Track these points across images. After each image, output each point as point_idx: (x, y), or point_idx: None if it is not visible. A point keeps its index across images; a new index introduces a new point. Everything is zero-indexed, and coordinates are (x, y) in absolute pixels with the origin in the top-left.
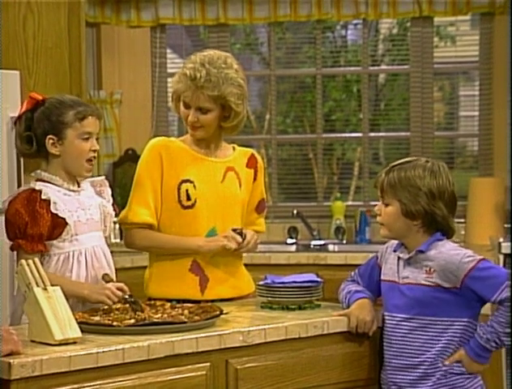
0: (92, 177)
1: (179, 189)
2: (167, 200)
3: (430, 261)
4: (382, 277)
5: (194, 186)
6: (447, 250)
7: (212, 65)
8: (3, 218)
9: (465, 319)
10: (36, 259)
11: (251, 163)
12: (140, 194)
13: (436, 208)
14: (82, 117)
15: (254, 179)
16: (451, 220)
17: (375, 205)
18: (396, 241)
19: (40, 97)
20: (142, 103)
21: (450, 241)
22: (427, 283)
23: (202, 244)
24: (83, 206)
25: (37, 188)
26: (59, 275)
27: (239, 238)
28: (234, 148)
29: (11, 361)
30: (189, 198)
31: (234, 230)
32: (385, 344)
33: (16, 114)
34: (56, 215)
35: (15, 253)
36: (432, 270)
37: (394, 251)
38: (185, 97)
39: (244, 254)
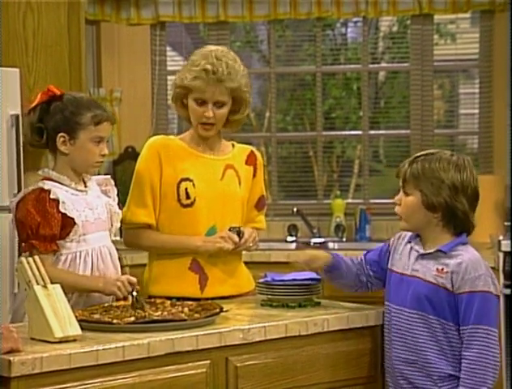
0: (97, 175)
1: (178, 187)
2: (166, 199)
3: (448, 261)
4: (390, 266)
5: (194, 185)
6: (470, 257)
7: (225, 58)
8: (5, 216)
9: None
10: (36, 257)
11: (250, 160)
12: (138, 194)
13: (457, 202)
14: (98, 122)
15: (254, 176)
16: (472, 216)
17: (375, 203)
18: (410, 233)
19: (59, 92)
20: (142, 101)
21: (471, 245)
22: (435, 281)
23: (200, 244)
24: (90, 206)
25: (46, 188)
26: (72, 270)
27: (236, 238)
28: (233, 145)
29: (11, 358)
30: (188, 197)
31: (231, 229)
32: (391, 335)
33: (16, 112)
34: (65, 214)
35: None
36: (444, 270)
37: (409, 242)
38: (202, 93)
39: (243, 252)
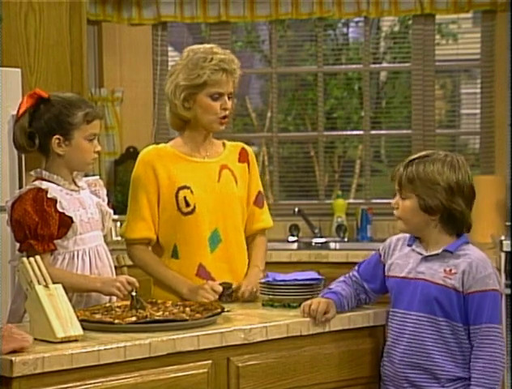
0: (87, 176)
1: (177, 197)
2: (167, 210)
3: (456, 261)
4: (390, 273)
5: (192, 192)
6: (478, 256)
7: (226, 51)
8: (3, 216)
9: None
10: (38, 257)
11: (243, 157)
12: (136, 209)
13: (454, 204)
14: (90, 119)
15: (249, 173)
16: (469, 215)
17: (377, 203)
18: (407, 235)
19: (46, 95)
20: (144, 101)
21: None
22: (443, 283)
23: (185, 292)
24: (83, 205)
25: (44, 187)
26: (69, 270)
27: (219, 289)
28: (224, 144)
29: (13, 358)
30: (188, 205)
31: (222, 284)
32: (395, 340)
33: (17, 113)
34: (63, 214)
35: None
36: (453, 271)
37: (409, 245)
38: (222, 86)
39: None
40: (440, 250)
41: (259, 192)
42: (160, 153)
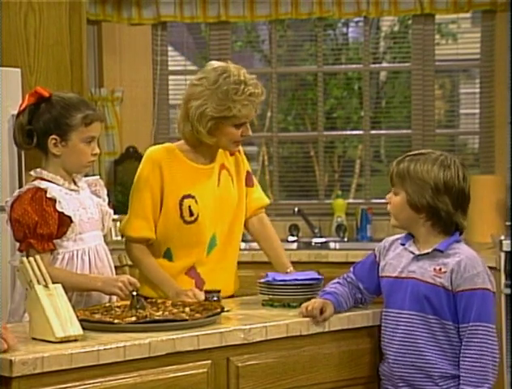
0: (87, 176)
1: (181, 204)
2: (168, 215)
3: (446, 260)
4: (383, 273)
5: (196, 201)
6: (468, 255)
7: (251, 76)
8: (3, 216)
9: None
10: (38, 257)
11: None
12: (139, 207)
13: (440, 203)
14: (89, 122)
15: (239, 159)
16: (457, 217)
17: (376, 203)
18: (400, 236)
19: (47, 94)
20: (144, 101)
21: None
22: (433, 281)
23: (172, 295)
24: (83, 205)
25: (42, 187)
26: (69, 270)
27: (201, 297)
28: None
29: (13, 358)
30: (192, 214)
31: (209, 292)
32: (389, 340)
33: (17, 112)
34: (62, 213)
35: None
36: (443, 270)
37: (403, 245)
38: (246, 118)
39: (245, 252)
40: (430, 249)
41: (248, 172)
42: (170, 155)
